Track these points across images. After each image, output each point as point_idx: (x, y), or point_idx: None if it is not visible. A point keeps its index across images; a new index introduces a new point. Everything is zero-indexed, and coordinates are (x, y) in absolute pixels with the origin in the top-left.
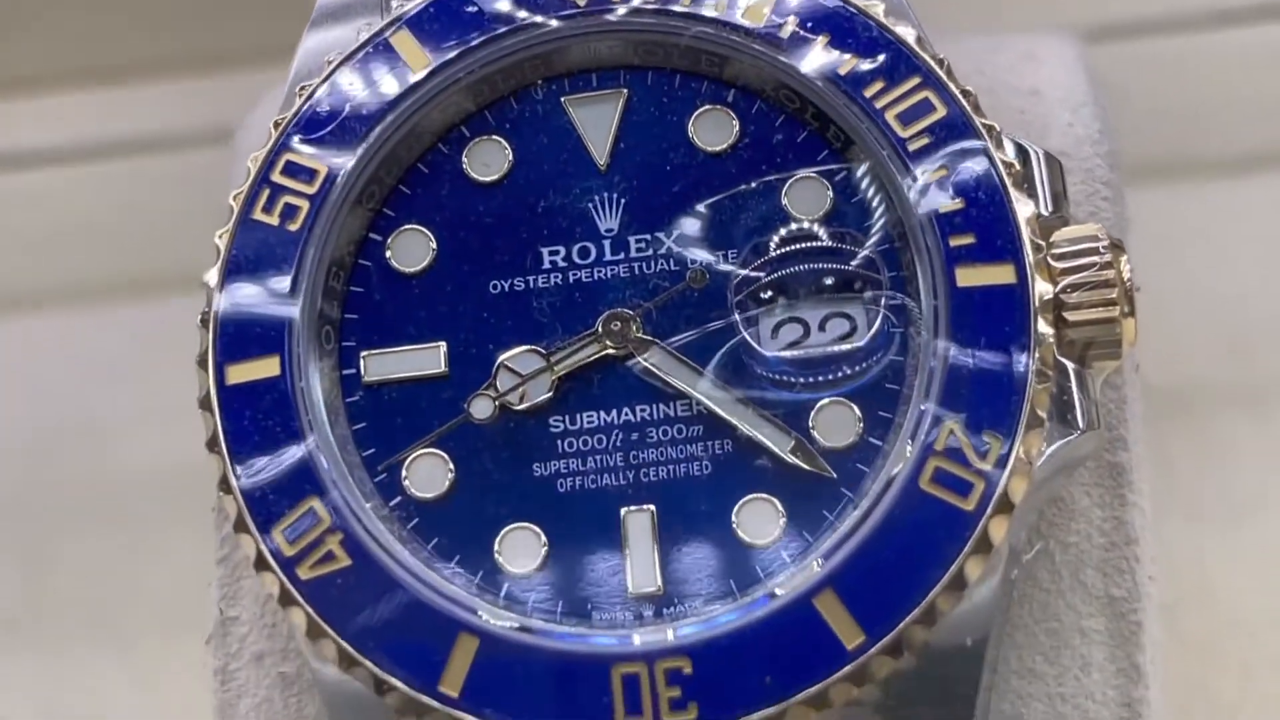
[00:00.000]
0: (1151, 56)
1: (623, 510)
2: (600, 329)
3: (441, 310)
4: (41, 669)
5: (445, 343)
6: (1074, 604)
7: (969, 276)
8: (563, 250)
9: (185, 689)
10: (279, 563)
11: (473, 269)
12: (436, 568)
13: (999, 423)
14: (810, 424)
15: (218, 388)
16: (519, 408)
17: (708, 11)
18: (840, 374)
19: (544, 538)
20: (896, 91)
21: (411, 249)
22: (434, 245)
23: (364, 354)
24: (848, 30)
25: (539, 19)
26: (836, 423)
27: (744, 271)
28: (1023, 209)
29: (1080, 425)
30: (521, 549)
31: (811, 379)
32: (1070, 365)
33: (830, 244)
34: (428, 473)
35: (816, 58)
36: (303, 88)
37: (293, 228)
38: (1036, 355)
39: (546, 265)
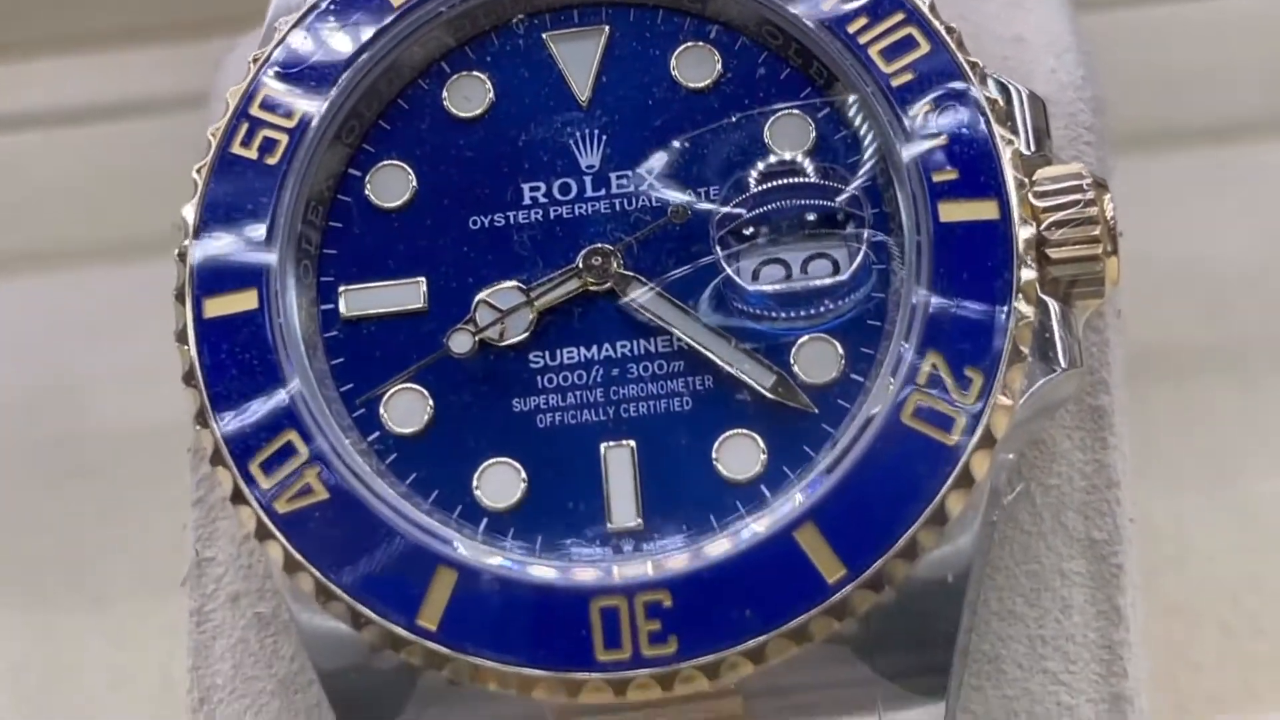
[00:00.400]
0: (1134, 25)
1: (602, 445)
2: (581, 264)
3: (421, 245)
4: (19, 626)
5: (425, 278)
6: (1055, 546)
7: (952, 212)
8: (543, 186)
9: (162, 647)
10: (256, 496)
11: (453, 204)
12: (415, 502)
13: (981, 358)
14: (791, 360)
15: (195, 321)
16: (499, 343)
17: None
18: (822, 309)
19: (523, 473)
20: (880, 28)
21: (391, 184)
22: (414, 181)
23: (342, 289)
24: None
25: None
26: (818, 359)
27: (726, 208)
28: (1006, 146)
29: (1062, 363)
30: (500, 484)
31: (793, 314)
32: (1053, 303)
33: (813, 180)
34: (406, 408)
35: None
36: (281, 23)
37: (271, 161)
38: (1019, 291)
39: (527, 201)
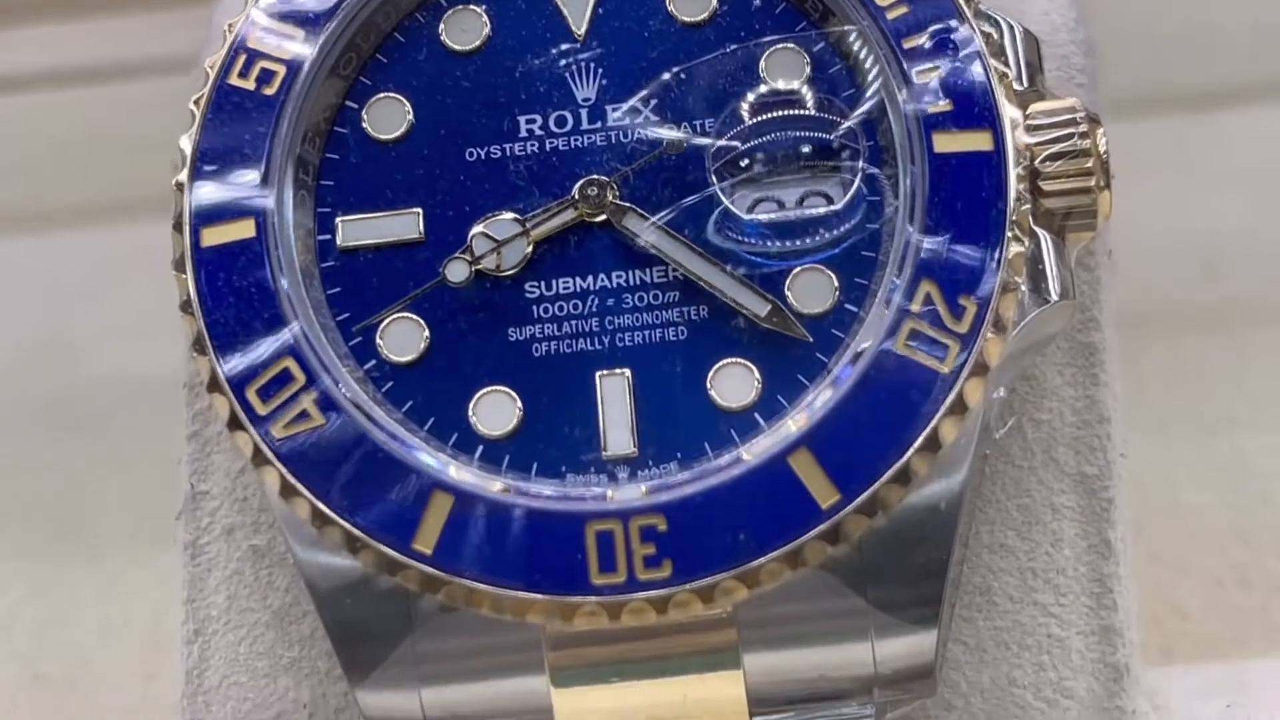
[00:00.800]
0: None
1: (598, 374)
2: (576, 194)
3: (418, 176)
4: (11, 579)
5: (421, 209)
6: (1046, 480)
7: (946, 143)
8: (539, 118)
9: (154, 601)
10: (252, 421)
11: (449, 136)
12: (411, 429)
13: (975, 287)
14: (786, 289)
15: (193, 249)
16: (495, 272)
17: None
18: (817, 239)
19: (519, 401)
20: None
21: (388, 116)
22: (410, 113)
23: (339, 219)
24: None
25: None
26: (813, 289)
27: (721, 140)
28: (1000, 79)
29: (1055, 294)
30: (496, 412)
31: (788, 244)
32: (1046, 236)
33: (808, 112)
34: (403, 336)
35: None
36: None
37: (269, 93)
38: (1013, 221)
39: (523, 133)
